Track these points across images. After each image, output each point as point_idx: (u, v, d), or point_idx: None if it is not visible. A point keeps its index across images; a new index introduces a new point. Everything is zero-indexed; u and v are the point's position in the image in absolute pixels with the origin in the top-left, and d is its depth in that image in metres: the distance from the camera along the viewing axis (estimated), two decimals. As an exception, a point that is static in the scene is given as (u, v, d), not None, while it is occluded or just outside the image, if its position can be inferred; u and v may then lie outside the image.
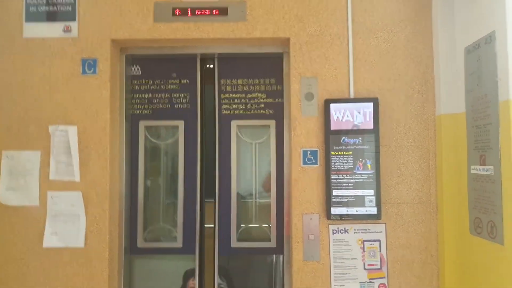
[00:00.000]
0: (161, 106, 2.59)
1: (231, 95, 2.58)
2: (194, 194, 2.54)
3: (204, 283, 2.59)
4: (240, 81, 2.59)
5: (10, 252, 2.30)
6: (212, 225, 2.55)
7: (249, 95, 2.58)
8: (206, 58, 2.62)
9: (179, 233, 2.54)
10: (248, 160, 2.60)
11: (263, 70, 2.57)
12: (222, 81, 2.59)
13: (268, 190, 2.56)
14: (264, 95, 2.57)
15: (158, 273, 2.60)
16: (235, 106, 2.58)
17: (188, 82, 2.59)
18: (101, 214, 2.30)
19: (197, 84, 2.58)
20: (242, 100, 2.58)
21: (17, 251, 2.30)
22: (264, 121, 2.56)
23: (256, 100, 2.57)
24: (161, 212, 2.60)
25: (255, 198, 2.59)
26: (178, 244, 2.54)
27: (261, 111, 2.57)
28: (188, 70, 2.59)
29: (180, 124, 2.58)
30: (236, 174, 2.56)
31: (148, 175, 2.61)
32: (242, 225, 2.58)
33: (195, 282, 2.53)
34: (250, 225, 2.58)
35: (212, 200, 2.55)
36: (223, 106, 2.58)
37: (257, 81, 2.58)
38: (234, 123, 2.57)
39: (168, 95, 2.59)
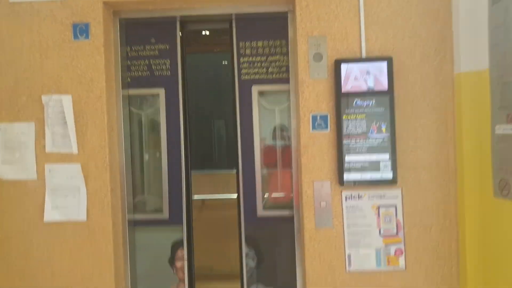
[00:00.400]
0: (140, 73, 2.37)
1: (250, 58, 2.35)
2: (178, 164, 2.37)
3: (193, 253, 2.46)
4: (260, 44, 2.34)
5: (11, 227, 2.14)
6: (236, 195, 2.42)
7: (270, 58, 2.34)
8: (188, 21, 2.39)
9: (165, 204, 2.39)
10: (270, 127, 2.42)
11: (283, 31, 2.31)
12: (241, 44, 2.34)
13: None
14: (286, 58, 2.33)
15: (146, 245, 2.46)
16: (256, 70, 2.35)
17: (168, 47, 2.36)
18: (102, 186, 2.12)
19: (177, 50, 2.35)
20: (263, 64, 2.35)
21: (18, 227, 2.14)
22: (286, 86, 2.33)
23: (277, 63, 2.35)
24: (145, 183, 2.45)
25: (278, 167, 2.42)
26: (165, 215, 2.40)
27: (283, 75, 2.35)
28: (167, 35, 2.35)
29: (161, 92, 2.36)
30: (259, 142, 2.37)
31: (132, 145, 2.44)
32: (265, 195, 2.41)
33: (183, 252, 2.40)
34: (275, 195, 2.42)
35: (235, 170, 2.40)
36: (243, 71, 2.35)
37: (278, 42, 2.34)
38: (254, 89, 2.35)
39: (147, 62, 2.36)
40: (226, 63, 4.81)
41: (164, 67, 2.37)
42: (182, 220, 2.39)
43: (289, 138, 2.34)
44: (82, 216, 2.13)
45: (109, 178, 2.12)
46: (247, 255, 2.42)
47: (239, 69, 2.36)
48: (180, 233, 2.41)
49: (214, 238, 3.91)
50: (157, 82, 2.37)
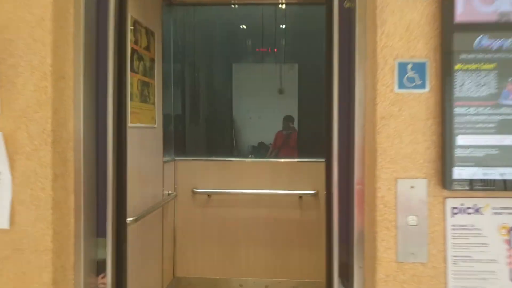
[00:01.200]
0: None
1: None
2: (103, 145, 1.42)
3: (122, 280, 1.50)
4: None
5: None
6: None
7: None
8: None
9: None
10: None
11: None
12: None
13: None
14: None
15: None
16: None
17: None
18: (38, 171, 1.22)
19: None
20: None
21: None
22: None
23: None
24: None
25: None
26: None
27: None
28: None
29: None
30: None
31: None
32: None
33: (106, 279, 1.44)
34: None
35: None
36: None
37: None
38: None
39: None
40: (244, 27, 4.03)
41: None
42: (106, 232, 1.43)
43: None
44: (3, 222, 1.23)
45: (52, 158, 1.22)
46: None
47: None
48: (104, 250, 1.44)
49: (218, 242, 3.02)
50: None
